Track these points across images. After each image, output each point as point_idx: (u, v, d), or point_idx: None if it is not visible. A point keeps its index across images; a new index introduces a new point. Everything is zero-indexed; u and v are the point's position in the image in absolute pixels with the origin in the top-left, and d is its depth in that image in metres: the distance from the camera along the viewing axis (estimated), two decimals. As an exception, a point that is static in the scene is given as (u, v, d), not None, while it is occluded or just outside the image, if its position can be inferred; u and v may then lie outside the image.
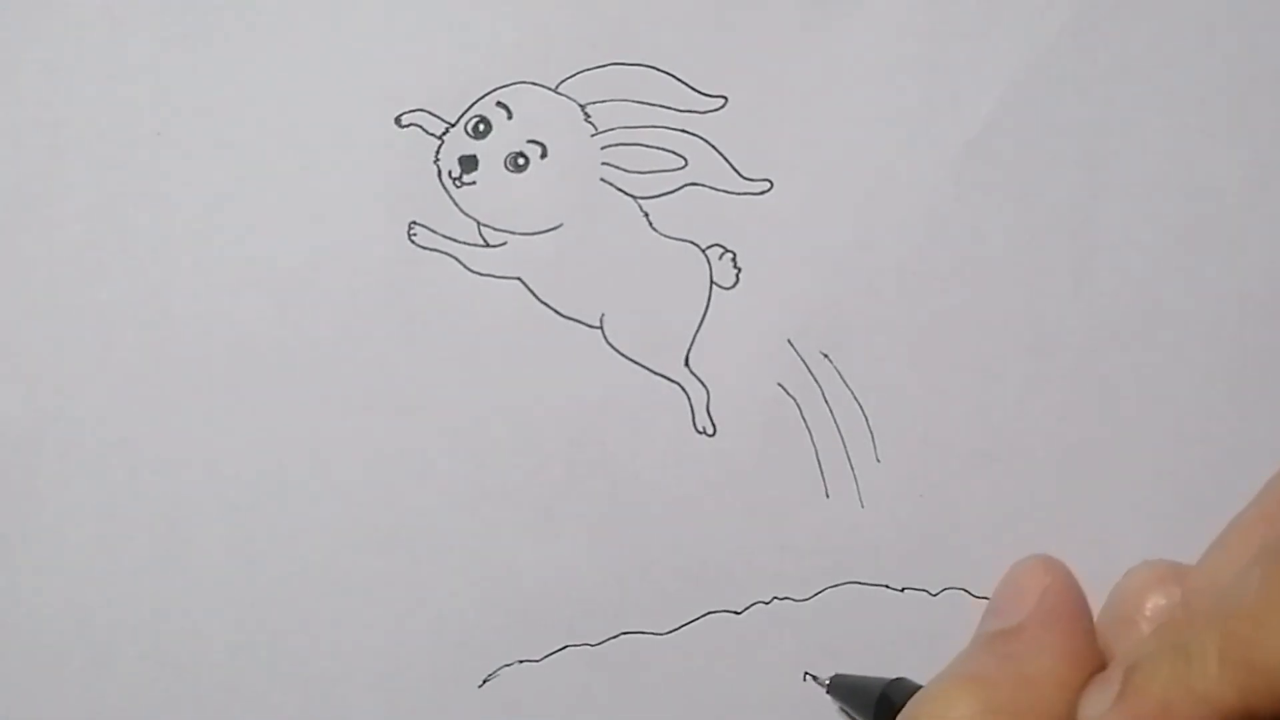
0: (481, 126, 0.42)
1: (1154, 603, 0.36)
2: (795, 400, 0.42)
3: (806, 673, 0.41)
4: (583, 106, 0.42)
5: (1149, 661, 0.31)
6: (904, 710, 0.35)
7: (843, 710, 0.41)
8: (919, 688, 0.39)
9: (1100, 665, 0.34)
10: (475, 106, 0.42)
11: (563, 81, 0.42)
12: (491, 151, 0.42)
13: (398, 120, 0.42)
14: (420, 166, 0.42)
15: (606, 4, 0.42)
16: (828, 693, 0.41)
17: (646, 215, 0.42)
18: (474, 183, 0.42)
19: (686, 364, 0.42)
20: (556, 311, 0.42)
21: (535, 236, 0.42)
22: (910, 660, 0.42)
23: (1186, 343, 0.42)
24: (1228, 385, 0.42)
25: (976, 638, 0.36)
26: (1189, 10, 0.43)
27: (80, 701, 0.41)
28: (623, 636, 0.42)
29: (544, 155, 0.42)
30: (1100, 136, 0.43)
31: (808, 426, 0.42)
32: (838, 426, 0.42)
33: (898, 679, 0.40)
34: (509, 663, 0.42)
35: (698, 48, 0.42)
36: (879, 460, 0.42)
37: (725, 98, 0.42)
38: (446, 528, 0.42)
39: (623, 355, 0.42)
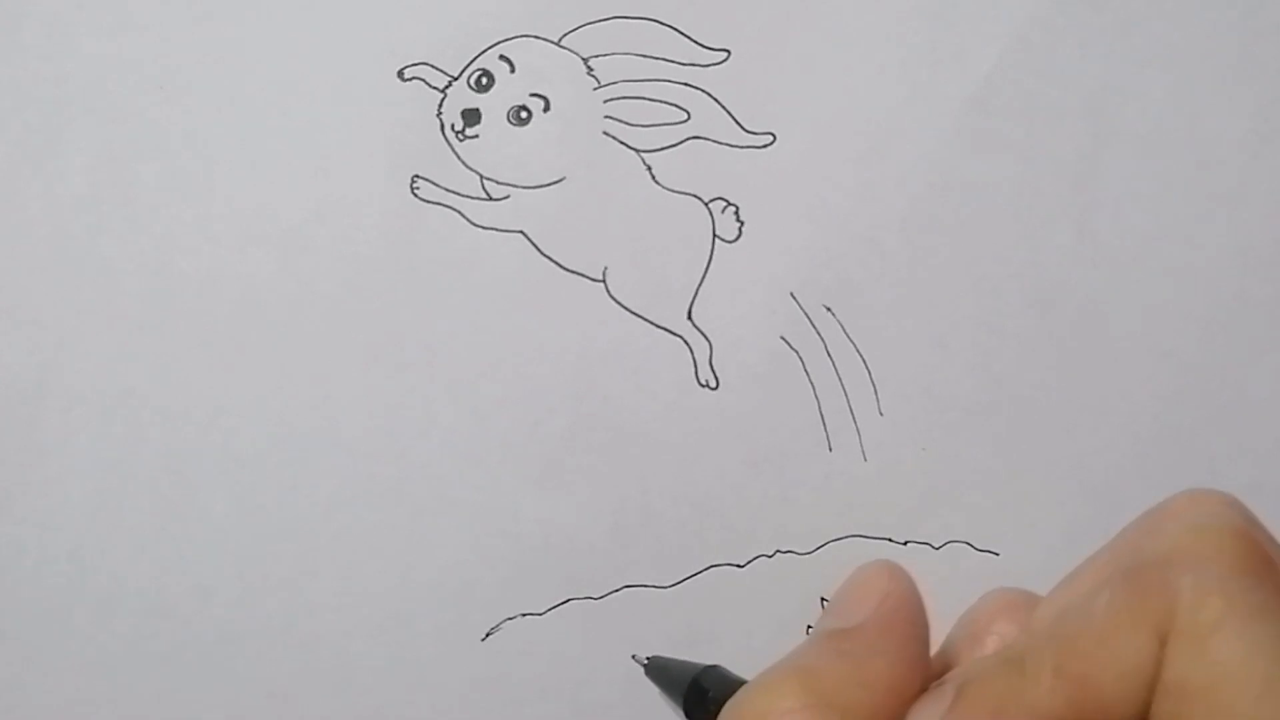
0: (484, 80, 0.42)
1: (1002, 627, 0.36)
2: (798, 353, 0.42)
3: (633, 655, 0.42)
4: (585, 60, 0.42)
5: (983, 674, 0.31)
6: (732, 700, 0.35)
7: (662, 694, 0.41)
8: (733, 678, 0.38)
9: (935, 677, 0.34)
10: (478, 60, 0.42)
11: (565, 35, 0.42)
12: (494, 105, 0.42)
13: (400, 74, 0.42)
14: (423, 120, 0.42)
15: (609, -43, 0.42)
16: (646, 674, 0.41)
17: (649, 168, 0.42)
18: (476, 136, 0.42)
19: (689, 317, 0.42)
20: (559, 265, 0.42)
21: (538, 190, 0.42)
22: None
23: (1189, 295, 0.42)
24: (1229, 338, 0.42)
25: (812, 635, 0.36)
26: (1192, -37, 0.43)
27: (82, 654, 0.41)
28: (625, 589, 0.42)
29: (546, 109, 0.42)
30: (1103, 89, 0.43)
31: (810, 379, 0.42)
32: (840, 379, 0.42)
33: (712, 666, 0.40)
34: (512, 616, 0.42)
35: (700, 1, 0.42)
36: (882, 413, 0.42)
37: (728, 51, 0.42)
38: (449, 481, 0.42)
39: (625, 308, 0.42)
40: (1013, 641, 0.33)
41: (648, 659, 0.41)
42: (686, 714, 0.39)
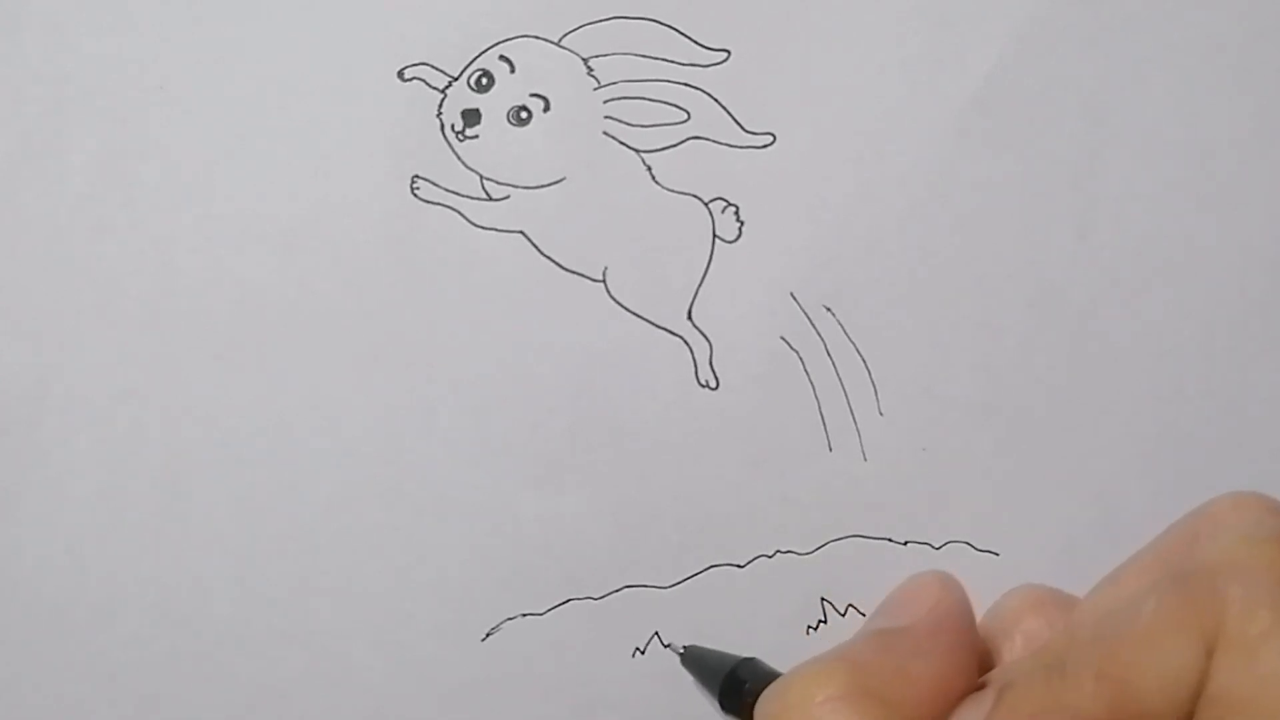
0: (484, 80, 0.42)
1: (1030, 624, 0.36)
2: (798, 353, 0.42)
3: (664, 640, 0.42)
4: (585, 60, 0.42)
5: (1024, 678, 0.31)
6: (775, 685, 0.35)
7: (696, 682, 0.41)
8: (770, 669, 0.38)
9: (977, 685, 0.34)
10: (478, 60, 0.42)
11: (565, 35, 0.42)
12: (494, 105, 0.42)
13: (400, 74, 0.42)
14: (423, 120, 0.42)
15: (609, -43, 0.42)
16: (681, 663, 0.41)
17: (649, 169, 0.42)
18: (476, 136, 0.42)
19: (689, 317, 0.42)
20: (559, 265, 0.42)
21: (538, 190, 0.42)
22: (913, 614, 0.42)
23: (1189, 295, 0.42)
24: (1230, 338, 0.42)
25: (860, 632, 0.36)
26: (1192, -37, 0.43)
27: (82, 654, 0.41)
28: (625, 590, 0.42)
29: (546, 109, 0.42)
30: (1103, 89, 0.43)
31: (810, 379, 0.42)
32: (840, 379, 0.42)
33: (749, 658, 0.40)
34: (512, 616, 0.42)
35: (700, 2, 0.42)
36: (882, 413, 0.42)
37: (728, 51, 0.42)
38: (449, 481, 0.42)
39: (625, 309, 0.42)
40: (1051, 643, 0.32)
41: (684, 648, 0.41)
42: (721, 704, 0.39)
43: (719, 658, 0.40)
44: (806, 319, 0.42)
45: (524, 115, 0.42)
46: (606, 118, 0.42)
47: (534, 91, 0.42)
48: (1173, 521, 0.35)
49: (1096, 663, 0.29)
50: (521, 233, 0.42)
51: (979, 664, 0.35)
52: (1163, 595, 0.29)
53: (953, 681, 0.33)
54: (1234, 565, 0.28)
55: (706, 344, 0.42)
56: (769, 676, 0.38)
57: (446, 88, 0.42)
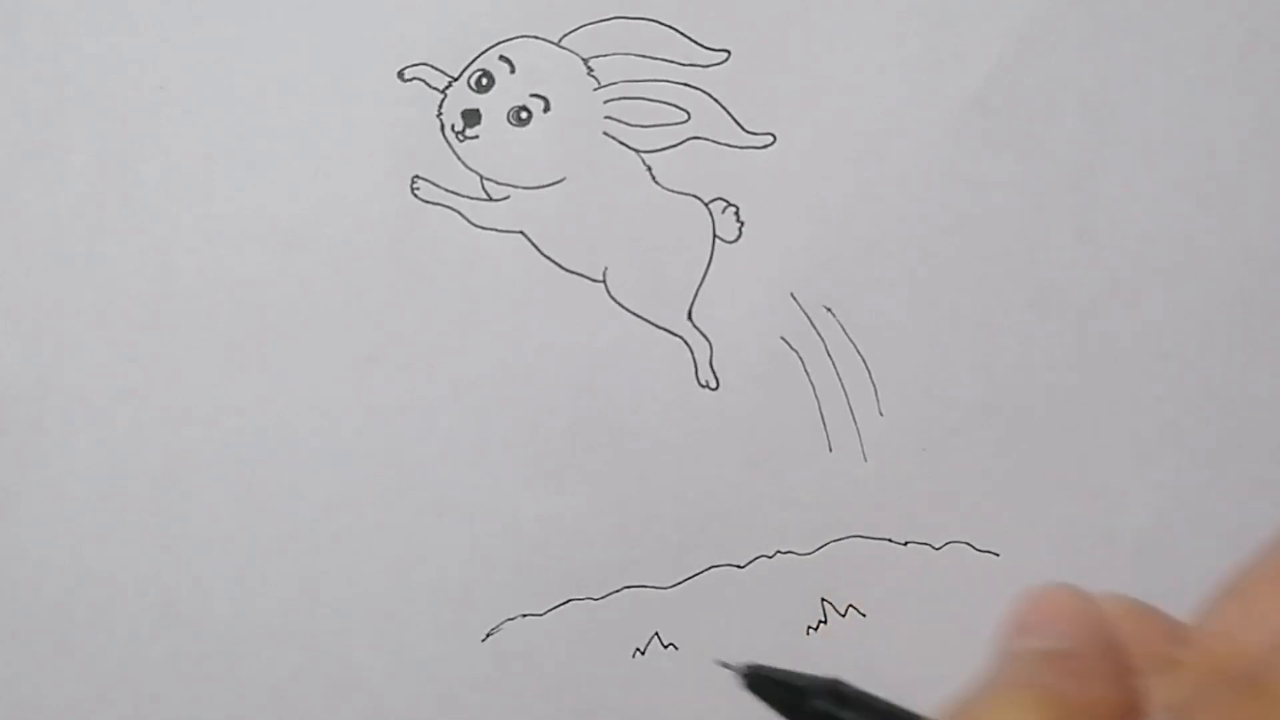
0: (484, 80, 0.42)
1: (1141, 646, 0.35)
2: (798, 353, 0.42)
3: (724, 663, 0.37)
4: (585, 60, 0.42)
5: (1210, 701, 0.30)
6: (956, 712, 0.33)
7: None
8: (856, 690, 0.36)
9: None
10: (478, 60, 0.42)
11: (565, 35, 0.42)
12: (494, 105, 0.42)
13: (401, 74, 0.42)
14: (423, 120, 0.42)
15: (609, -42, 0.42)
16: (746, 687, 0.36)
17: (649, 169, 0.42)
18: (477, 136, 0.42)
19: (689, 317, 0.42)
20: (559, 265, 0.42)
21: (538, 190, 0.42)
22: (914, 614, 0.42)
23: (1188, 295, 0.42)
24: (1230, 338, 0.42)
25: (1015, 653, 0.34)
26: (1192, -36, 0.43)
27: (82, 654, 0.41)
28: (625, 590, 0.42)
29: (546, 109, 0.42)
30: (1103, 90, 0.43)
31: (810, 380, 0.42)
32: (840, 380, 0.42)
33: (834, 680, 0.35)
34: (512, 616, 0.42)
35: (700, 2, 0.42)
36: (882, 414, 0.42)
37: (728, 51, 0.42)
38: (449, 481, 0.42)
39: (625, 309, 0.42)
40: (1223, 658, 0.31)
41: (748, 668, 0.35)
42: None
43: (791, 678, 0.35)
44: (806, 319, 0.42)
45: (524, 115, 0.42)
46: (606, 118, 0.42)
47: (534, 92, 0.42)
48: None
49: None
50: (521, 233, 0.42)
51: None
52: None
53: (1123, 706, 0.32)
54: None
55: (706, 344, 0.42)
56: (864, 699, 0.34)
57: (446, 88, 0.42)
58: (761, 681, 0.34)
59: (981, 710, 0.31)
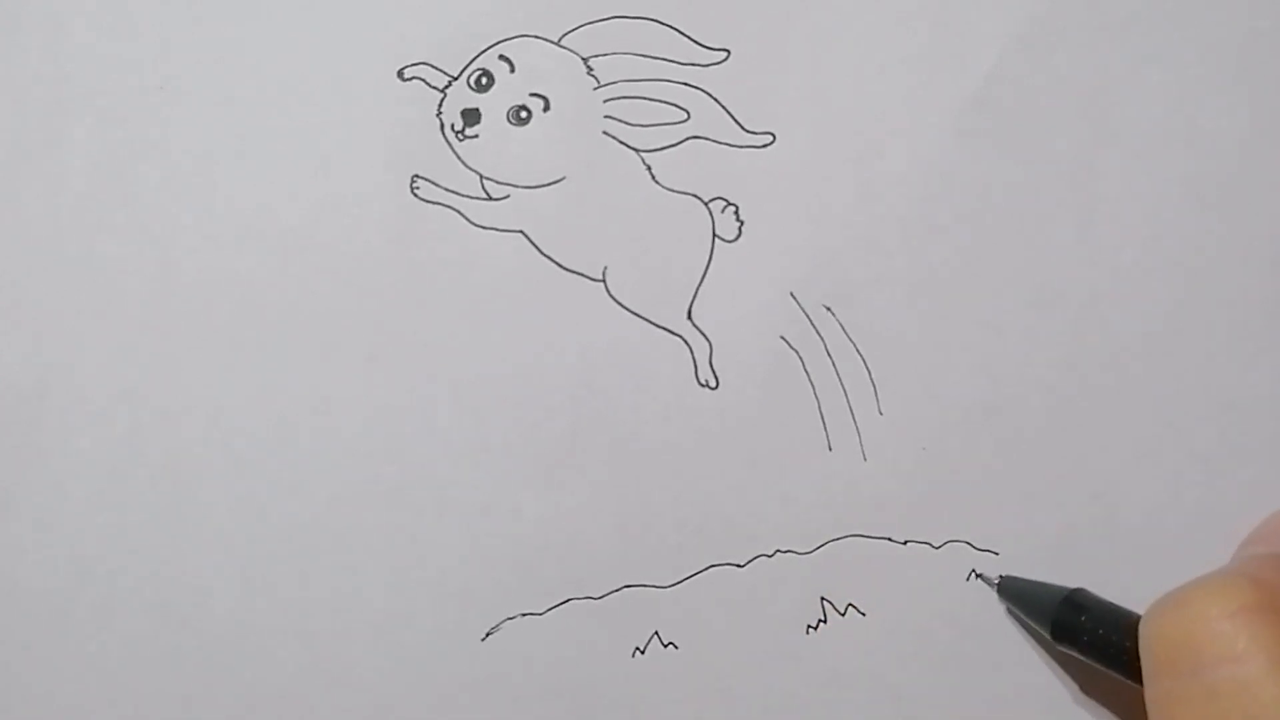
0: (484, 80, 0.42)
1: None
2: (798, 353, 0.42)
3: (979, 574, 0.41)
4: (585, 59, 0.42)
5: None
6: (1167, 597, 0.35)
7: (1010, 613, 0.41)
8: (1104, 601, 0.38)
9: None
10: (478, 59, 0.42)
11: (565, 34, 0.42)
12: (494, 105, 0.42)
13: (400, 73, 0.42)
14: (423, 120, 0.42)
15: (609, -43, 0.42)
16: (999, 595, 0.41)
17: (649, 168, 0.42)
18: (476, 136, 0.42)
19: (689, 317, 0.42)
20: (559, 264, 0.42)
21: (538, 190, 0.42)
22: (913, 613, 0.42)
23: (1188, 294, 0.42)
24: (1230, 338, 0.42)
25: (1248, 555, 0.35)
26: (1192, -37, 0.43)
27: (82, 654, 0.41)
28: (625, 589, 0.42)
29: (546, 108, 0.42)
30: (1103, 90, 0.42)
31: (810, 379, 0.42)
32: (840, 379, 0.42)
33: (1079, 589, 0.40)
34: (512, 616, 0.42)
35: (700, 1, 0.42)
36: (881, 413, 0.42)
37: (728, 50, 0.42)
38: (449, 481, 0.42)
39: (625, 308, 0.42)
40: None
41: (1000, 578, 0.41)
42: (1054, 634, 0.39)
43: (1044, 589, 0.40)
44: (806, 318, 0.42)
45: (524, 115, 0.42)
46: (606, 117, 0.42)
47: (534, 91, 0.42)
48: None
49: None
50: (521, 232, 0.42)
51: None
52: None
53: None
54: None
55: (706, 343, 0.42)
56: (1107, 606, 0.39)
57: (446, 87, 0.42)
58: (1011, 588, 0.41)
59: (1204, 588, 0.31)
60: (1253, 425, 0.42)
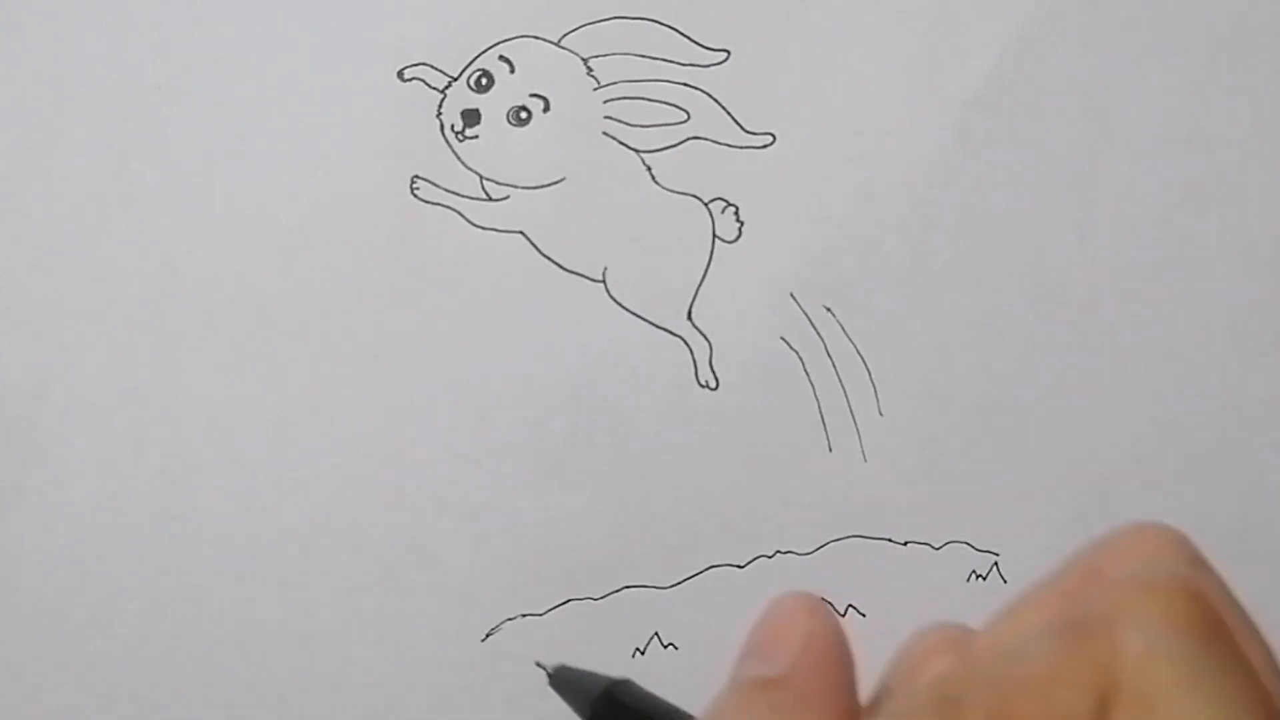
0: (484, 80, 0.42)
1: (939, 664, 0.35)
2: (798, 353, 0.42)
3: (538, 662, 0.39)
4: (585, 60, 0.42)
5: (917, 713, 0.30)
6: None
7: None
8: (645, 692, 0.37)
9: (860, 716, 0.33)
10: (478, 60, 0.42)
11: (565, 35, 0.42)
12: (494, 105, 0.42)
13: (400, 74, 0.42)
14: (423, 120, 0.42)
15: (609, -42, 0.42)
16: (549, 683, 0.38)
17: (649, 169, 0.42)
18: (476, 136, 0.42)
19: (689, 317, 0.42)
20: (559, 265, 0.42)
21: (538, 190, 0.42)
22: (913, 614, 0.42)
23: (1187, 295, 0.42)
24: (1229, 338, 0.42)
25: (736, 682, 0.34)
26: (1192, -37, 0.43)
27: (82, 654, 0.41)
28: (625, 590, 0.42)
29: (546, 109, 0.42)
30: (1103, 90, 0.43)
31: (810, 380, 0.42)
32: (840, 380, 0.42)
33: (623, 680, 0.37)
34: (512, 616, 0.42)
35: (700, 2, 0.42)
36: (882, 414, 0.42)
37: (728, 51, 0.42)
38: (449, 481, 0.42)
39: (625, 309, 0.42)
40: (951, 674, 0.32)
41: (554, 669, 0.38)
42: None
43: (590, 679, 0.37)
44: (806, 319, 0.42)
45: (524, 115, 0.42)
46: (606, 118, 0.42)
47: (534, 91, 0.42)
48: (1077, 549, 0.34)
49: (988, 704, 0.28)
50: (521, 233, 0.42)
51: (871, 694, 0.34)
52: (1057, 641, 0.28)
53: None
54: (1131, 612, 0.27)
55: (706, 344, 0.42)
56: (646, 702, 0.36)
57: (446, 88, 0.42)
58: (560, 680, 0.35)
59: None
60: (1253, 425, 0.42)
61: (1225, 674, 0.25)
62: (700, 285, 0.42)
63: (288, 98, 0.42)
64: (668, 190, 0.42)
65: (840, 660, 0.31)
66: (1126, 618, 0.26)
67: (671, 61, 0.42)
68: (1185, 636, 0.26)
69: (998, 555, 0.42)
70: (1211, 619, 0.26)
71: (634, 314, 0.42)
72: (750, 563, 0.42)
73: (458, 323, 0.42)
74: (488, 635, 0.42)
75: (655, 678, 0.42)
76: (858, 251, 0.42)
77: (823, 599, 0.33)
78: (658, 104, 0.42)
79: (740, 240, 0.42)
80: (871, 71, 0.42)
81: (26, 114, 0.42)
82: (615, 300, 0.42)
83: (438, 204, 0.42)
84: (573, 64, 0.42)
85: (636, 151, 0.42)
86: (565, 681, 0.37)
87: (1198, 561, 0.29)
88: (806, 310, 0.42)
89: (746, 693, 0.32)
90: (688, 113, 0.42)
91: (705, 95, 0.42)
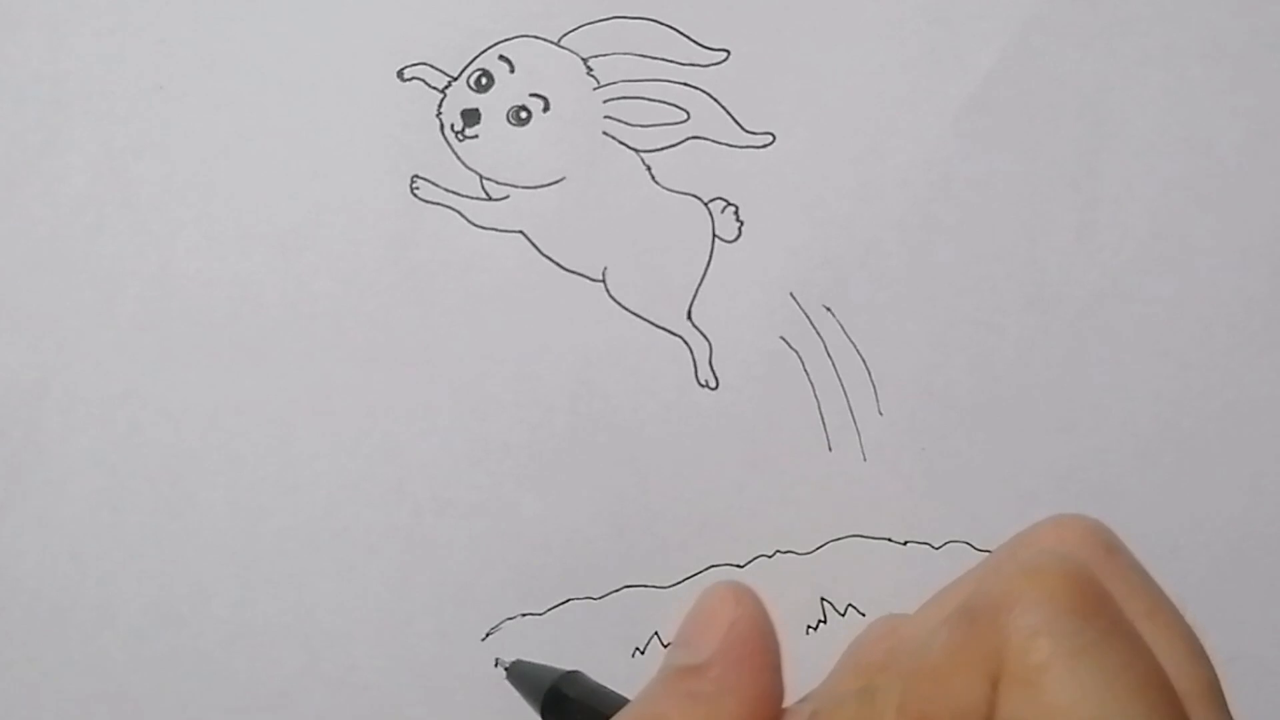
0: (484, 80, 0.42)
1: (876, 653, 0.35)
2: (797, 353, 0.42)
3: (496, 659, 0.40)
4: (585, 60, 0.42)
5: (836, 705, 0.30)
6: None
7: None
8: (593, 683, 0.37)
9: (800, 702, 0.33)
10: (478, 60, 0.42)
11: (565, 35, 0.42)
12: (494, 105, 0.42)
13: (400, 74, 0.42)
14: (422, 120, 0.42)
15: (609, -43, 0.42)
16: (506, 677, 0.39)
17: (649, 168, 0.42)
18: (476, 136, 0.42)
19: (689, 317, 0.42)
20: (559, 265, 0.42)
21: (537, 190, 0.42)
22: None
23: (1187, 295, 0.42)
24: (1229, 338, 0.42)
25: (662, 671, 0.35)
26: (1192, -37, 0.43)
27: (82, 654, 0.41)
28: (625, 589, 0.42)
29: (546, 109, 0.42)
30: (1102, 89, 0.43)
31: (810, 379, 0.42)
32: (840, 379, 0.42)
33: (572, 671, 0.38)
34: (512, 616, 0.42)
35: (700, 2, 0.42)
36: (881, 413, 0.42)
37: (727, 51, 0.42)
38: (449, 481, 0.42)
39: (625, 308, 0.42)
40: (872, 664, 0.32)
41: (510, 663, 0.39)
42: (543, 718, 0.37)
43: (542, 671, 0.38)
44: (806, 318, 0.42)
45: (524, 115, 0.42)
46: (606, 118, 0.42)
47: (534, 91, 0.42)
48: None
49: (899, 695, 0.29)
50: (521, 232, 0.42)
51: (824, 683, 0.35)
52: (954, 629, 0.28)
53: (763, 712, 0.32)
54: (1016, 596, 0.27)
55: (706, 344, 0.42)
56: (594, 690, 0.37)
57: (446, 88, 0.42)
58: (516, 674, 0.37)
59: None
60: (1253, 425, 0.42)
61: (1105, 646, 0.25)
62: (700, 285, 0.42)
63: (288, 98, 0.42)
64: (667, 190, 0.42)
65: (760, 648, 0.32)
66: (1011, 602, 0.27)
67: (671, 61, 0.42)
68: (1068, 615, 0.26)
69: (998, 555, 0.42)
70: (1094, 596, 0.26)
71: (634, 314, 0.42)
72: (750, 562, 0.42)
73: (457, 322, 0.42)
74: (488, 635, 0.42)
75: (655, 677, 0.42)
76: (858, 251, 0.42)
77: (752, 588, 0.33)
78: (658, 104, 0.42)
79: (740, 240, 0.42)
80: (871, 71, 0.42)
81: (26, 114, 0.42)
82: (615, 300, 0.42)
83: (438, 204, 0.42)
84: (573, 64, 0.42)
85: (636, 151, 0.42)
86: (520, 675, 0.38)
87: (1112, 549, 0.29)
88: (806, 310, 0.42)
89: (669, 681, 0.32)
90: (687, 112, 0.42)
91: (705, 95, 0.42)
